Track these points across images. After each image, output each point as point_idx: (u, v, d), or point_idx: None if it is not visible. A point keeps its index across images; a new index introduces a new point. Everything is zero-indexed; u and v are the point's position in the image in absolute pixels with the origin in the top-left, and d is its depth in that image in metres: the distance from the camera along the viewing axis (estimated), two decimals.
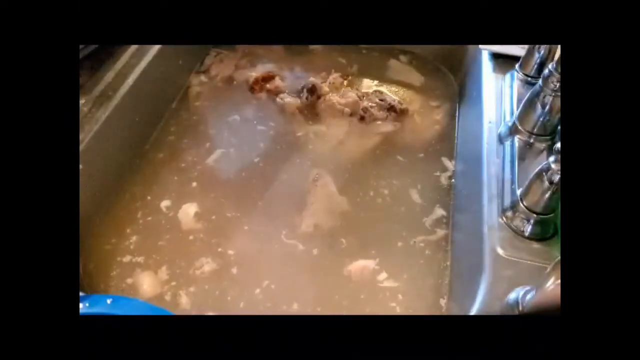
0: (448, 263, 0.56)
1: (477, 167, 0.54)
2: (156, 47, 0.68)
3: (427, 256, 0.57)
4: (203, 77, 0.79)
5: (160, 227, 0.58)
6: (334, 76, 0.78)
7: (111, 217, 0.59)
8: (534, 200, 0.44)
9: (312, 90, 0.74)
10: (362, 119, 0.72)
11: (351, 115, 0.72)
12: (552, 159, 0.41)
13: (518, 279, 0.42)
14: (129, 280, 0.53)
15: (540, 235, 0.45)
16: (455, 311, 0.50)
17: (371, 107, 0.72)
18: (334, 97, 0.73)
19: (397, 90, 0.78)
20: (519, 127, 0.53)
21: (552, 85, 0.48)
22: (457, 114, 0.74)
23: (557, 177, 0.41)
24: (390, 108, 0.73)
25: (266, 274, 0.54)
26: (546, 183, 0.42)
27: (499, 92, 0.61)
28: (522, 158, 0.51)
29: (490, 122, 0.58)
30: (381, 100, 0.73)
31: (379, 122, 0.72)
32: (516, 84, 0.61)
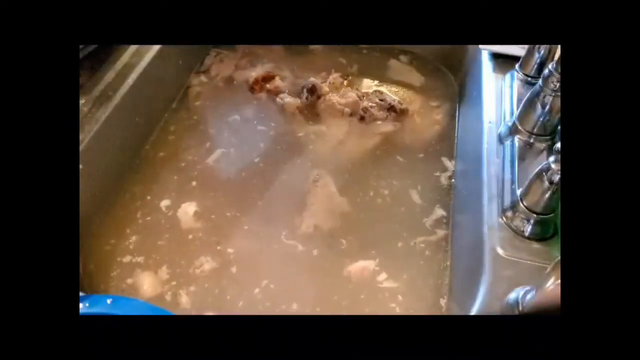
0: (448, 263, 0.56)
1: (477, 167, 0.54)
2: (156, 47, 0.68)
3: (427, 257, 0.57)
4: (203, 77, 0.79)
5: (160, 227, 0.58)
6: (334, 76, 0.78)
7: (111, 217, 0.59)
8: (534, 200, 0.44)
9: (312, 90, 0.74)
10: (362, 119, 0.72)
11: (351, 115, 0.72)
12: (552, 159, 0.41)
13: (518, 279, 0.42)
14: (129, 281, 0.53)
15: (540, 235, 0.45)
16: (455, 311, 0.50)
17: (371, 107, 0.72)
18: (334, 97, 0.73)
19: (397, 90, 0.78)
20: (519, 127, 0.53)
21: (552, 85, 0.48)
22: (457, 114, 0.74)
23: (557, 177, 0.41)
24: (390, 108, 0.73)
25: (266, 273, 0.54)
26: (546, 183, 0.42)
27: (499, 92, 0.61)
28: (522, 158, 0.51)
29: (490, 122, 0.58)
30: (381, 100, 0.73)
31: (379, 122, 0.72)
32: (516, 84, 0.61)
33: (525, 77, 0.60)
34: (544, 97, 0.49)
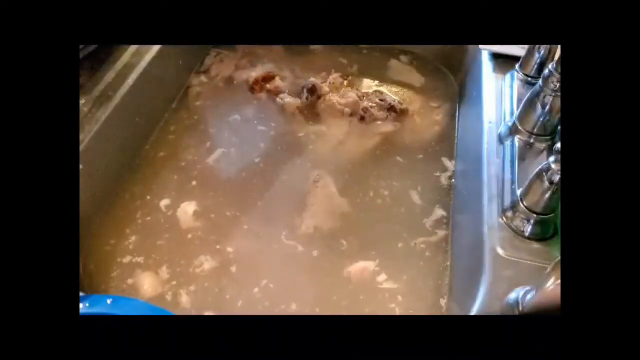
0: (448, 263, 0.56)
1: (477, 167, 0.54)
2: (156, 47, 0.68)
3: (427, 257, 0.57)
4: (203, 77, 0.79)
5: (159, 226, 0.58)
6: (334, 76, 0.78)
7: (111, 217, 0.59)
8: (534, 200, 0.44)
9: (312, 90, 0.74)
10: (362, 119, 0.72)
11: (351, 115, 0.72)
12: (552, 159, 0.41)
13: (518, 279, 0.42)
14: (130, 281, 0.53)
15: (540, 235, 0.45)
16: (455, 311, 0.50)
17: (371, 107, 0.72)
18: (334, 97, 0.73)
19: (397, 90, 0.78)
20: (519, 127, 0.53)
21: (552, 85, 0.48)
22: (457, 114, 0.74)
23: (557, 177, 0.41)
24: (390, 108, 0.73)
25: (265, 273, 0.54)
26: (546, 183, 0.42)
27: (499, 92, 0.61)
28: (522, 158, 0.51)
29: (490, 122, 0.58)
30: (381, 100, 0.73)
31: (379, 122, 0.72)
32: (516, 84, 0.61)
33: (525, 77, 0.60)
34: (544, 97, 0.49)
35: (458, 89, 0.78)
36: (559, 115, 0.50)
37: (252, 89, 0.76)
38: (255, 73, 0.78)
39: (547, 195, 0.43)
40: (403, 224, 0.60)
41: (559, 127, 0.52)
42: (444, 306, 0.52)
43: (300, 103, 0.74)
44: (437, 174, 0.66)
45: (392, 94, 0.77)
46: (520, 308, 0.38)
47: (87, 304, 0.40)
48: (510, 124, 0.55)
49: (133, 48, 0.66)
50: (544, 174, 0.42)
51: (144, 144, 0.67)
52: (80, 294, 0.41)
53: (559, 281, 0.32)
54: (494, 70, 0.65)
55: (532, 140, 0.52)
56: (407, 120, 0.73)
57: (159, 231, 0.58)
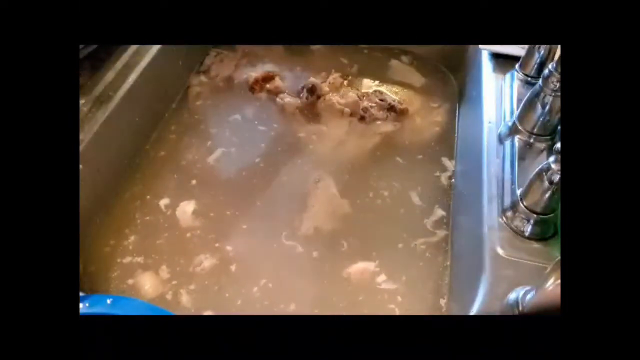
0: (448, 263, 0.56)
1: (477, 167, 0.54)
2: (156, 47, 0.67)
3: (427, 258, 0.57)
4: (203, 77, 0.79)
5: (159, 226, 0.58)
6: (334, 76, 0.78)
7: (111, 218, 0.59)
8: (534, 200, 0.44)
9: (312, 90, 0.74)
10: (362, 119, 0.72)
11: (351, 115, 0.72)
12: (552, 159, 0.41)
13: (518, 279, 0.42)
14: (130, 281, 0.53)
15: (540, 235, 0.45)
16: (455, 311, 0.50)
17: (371, 107, 0.72)
18: (334, 97, 0.73)
19: (397, 90, 0.78)
20: (519, 127, 0.53)
21: (552, 85, 0.48)
22: (457, 114, 0.74)
23: (557, 177, 0.41)
24: (390, 108, 0.73)
25: (264, 273, 0.54)
26: (546, 183, 0.42)
27: (499, 92, 0.61)
28: (522, 158, 0.51)
29: (490, 122, 0.57)
30: (381, 100, 0.73)
31: (379, 122, 0.72)
32: (516, 84, 0.61)
33: (525, 77, 0.60)
34: (544, 97, 0.49)
35: (458, 89, 0.78)
36: (559, 115, 0.50)
37: (252, 89, 0.76)
38: (255, 73, 0.78)
39: (547, 195, 0.43)
40: (403, 224, 0.60)
41: (559, 127, 0.52)
42: (443, 306, 0.52)
43: (300, 103, 0.74)
44: (437, 174, 0.66)
45: (392, 94, 0.77)
46: (520, 308, 0.38)
47: (87, 304, 0.40)
48: (510, 124, 0.55)
49: (133, 48, 0.66)
50: (544, 174, 0.42)
51: (144, 143, 0.67)
52: (80, 294, 0.41)
53: (559, 281, 0.32)
54: (494, 70, 0.65)
55: (532, 140, 0.52)
56: (407, 120, 0.73)
57: (159, 231, 0.58)
